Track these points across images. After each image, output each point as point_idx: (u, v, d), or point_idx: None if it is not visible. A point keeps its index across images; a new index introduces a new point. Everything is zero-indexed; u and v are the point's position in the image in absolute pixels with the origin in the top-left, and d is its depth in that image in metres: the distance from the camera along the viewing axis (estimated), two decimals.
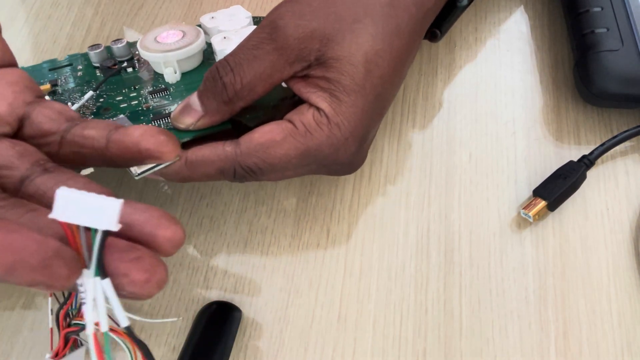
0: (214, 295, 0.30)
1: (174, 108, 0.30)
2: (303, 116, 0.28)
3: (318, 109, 0.28)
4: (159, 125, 0.30)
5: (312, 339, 0.29)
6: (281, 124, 0.28)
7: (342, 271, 0.31)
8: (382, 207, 0.32)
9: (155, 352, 0.29)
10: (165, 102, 0.31)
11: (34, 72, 0.34)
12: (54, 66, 0.34)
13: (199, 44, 0.32)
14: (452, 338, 0.28)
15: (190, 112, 0.29)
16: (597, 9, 0.34)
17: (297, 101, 0.29)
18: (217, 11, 0.35)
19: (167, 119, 0.30)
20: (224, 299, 0.30)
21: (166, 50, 0.32)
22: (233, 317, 0.29)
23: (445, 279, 0.30)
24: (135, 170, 0.27)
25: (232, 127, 0.30)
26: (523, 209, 0.31)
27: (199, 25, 0.35)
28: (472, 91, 0.36)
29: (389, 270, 0.30)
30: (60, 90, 0.32)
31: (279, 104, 0.31)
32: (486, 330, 0.28)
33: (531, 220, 0.31)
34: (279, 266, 0.31)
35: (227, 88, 0.28)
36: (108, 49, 0.35)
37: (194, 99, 0.29)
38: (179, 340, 0.29)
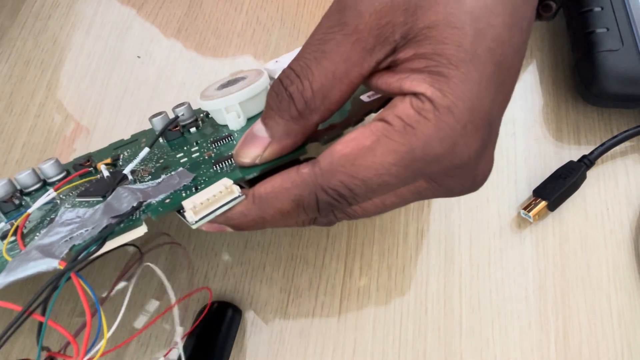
0: (214, 295, 0.30)
1: None
2: (397, 108, 0.21)
3: (416, 94, 0.20)
4: (222, 168, 0.25)
5: (312, 339, 0.29)
6: (369, 126, 0.21)
7: (342, 271, 0.31)
8: None
9: (155, 352, 0.29)
10: (228, 148, 0.27)
11: (102, 153, 0.32)
12: (120, 145, 0.32)
13: (262, 82, 0.29)
14: (452, 338, 0.28)
15: (254, 142, 0.23)
16: (597, 9, 0.34)
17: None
18: (280, 56, 0.32)
19: (231, 160, 0.25)
20: (224, 299, 0.30)
21: (226, 95, 0.28)
22: (233, 317, 0.29)
23: (445, 279, 0.30)
24: (191, 217, 0.22)
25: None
26: (523, 209, 0.31)
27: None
28: None
29: (389, 270, 0.30)
30: (120, 162, 0.30)
31: (363, 119, 0.25)
32: (486, 330, 0.28)
33: (531, 220, 0.31)
34: (279, 266, 0.31)
35: (294, 99, 0.22)
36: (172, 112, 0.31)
37: (257, 126, 0.23)
38: None
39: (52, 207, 0.28)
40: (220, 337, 0.28)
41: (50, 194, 0.28)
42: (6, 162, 0.36)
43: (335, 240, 0.31)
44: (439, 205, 0.32)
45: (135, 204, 0.23)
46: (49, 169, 0.30)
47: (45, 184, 0.31)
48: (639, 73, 0.32)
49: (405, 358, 0.28)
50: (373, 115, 0.25)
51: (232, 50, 0.40)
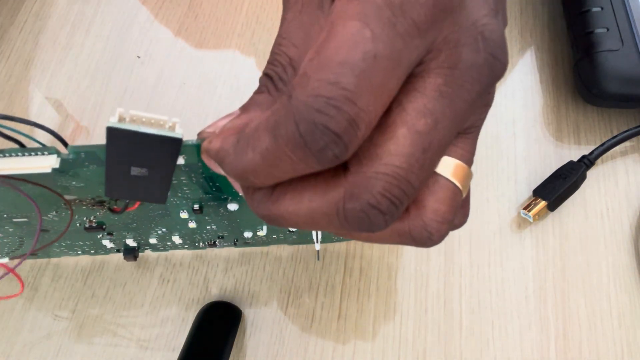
0: (214, 295, 0.30)
1: None
2: None
3: None
4: None
5: (312, 339, 0.29)
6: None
7: (342, 271, 0.31)
8: None
9: (155, 352, 0.29)
10: None
11: None
12: None
13: None
14: (452, 338, 0.28)
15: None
16: (597, 9, 0.34)
17: None
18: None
19: None
20: (224, 299, 0.30)
21: None
22: (233, 317, 0.29)
23: (445, 279, 0.30)
24: (113, 120, 0.18)
25: None
26: (523, 209, 0.31)
27: None
28: None
29: (389, 270, 0.30)
30: None
31: None
32: (486, 330, 0.28)
33: (531, 220, 0.31)
34: (279, 266, 0.31)
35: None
36: None
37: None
38: (179, 341, 0.29)
39: None
40: (220, 337, 0.28)
41: None
42: None
43: (335, 240, 0.31)
44: None
45: None
46: None
47: None
48: (639, 73, 0.32)
49: (405, 358, 0.28)
50: None
51: (232, 51, 0.40)
